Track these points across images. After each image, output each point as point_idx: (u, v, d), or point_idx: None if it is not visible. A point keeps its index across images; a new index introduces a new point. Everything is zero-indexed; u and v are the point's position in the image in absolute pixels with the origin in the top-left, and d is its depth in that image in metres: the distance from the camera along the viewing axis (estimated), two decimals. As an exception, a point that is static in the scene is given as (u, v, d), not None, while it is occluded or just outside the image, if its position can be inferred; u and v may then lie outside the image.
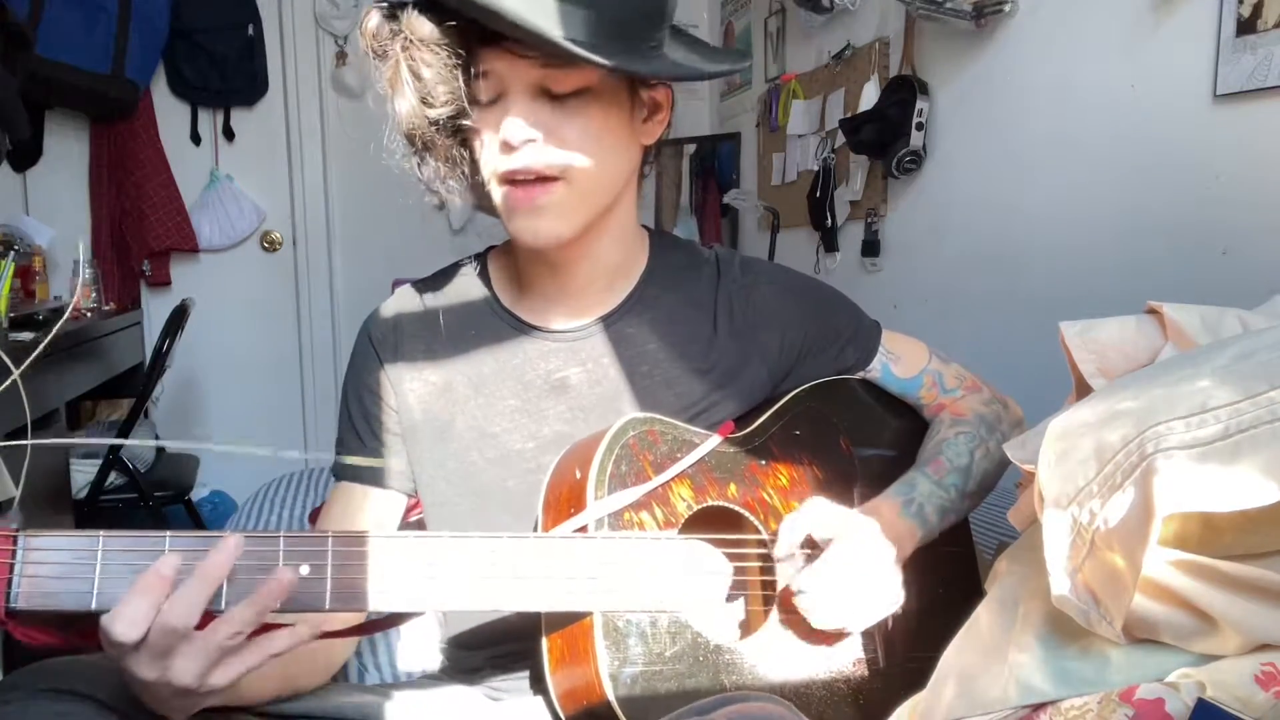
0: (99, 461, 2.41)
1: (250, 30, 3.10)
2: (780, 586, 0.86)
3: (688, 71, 0.84)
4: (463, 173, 0.85)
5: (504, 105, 0.80)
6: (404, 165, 0.85)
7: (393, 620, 0.80)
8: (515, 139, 0.79)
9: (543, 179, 0.81)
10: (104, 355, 2.57)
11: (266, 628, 0.64)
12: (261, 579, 0.63)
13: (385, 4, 0.78)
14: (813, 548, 0.85)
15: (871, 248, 2.27)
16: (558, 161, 0.81)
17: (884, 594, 0.84)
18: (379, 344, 0.96)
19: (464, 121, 0.81)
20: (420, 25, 0.76)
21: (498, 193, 0.84)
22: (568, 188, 0.82)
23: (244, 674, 0.64)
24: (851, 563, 0.82)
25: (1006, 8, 1.74)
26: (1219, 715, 0.57)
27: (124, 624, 0.59)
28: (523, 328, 0.94)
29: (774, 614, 0.86)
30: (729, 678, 0.80)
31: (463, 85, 0.78)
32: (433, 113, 0.79)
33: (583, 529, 0.78)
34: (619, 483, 0.80)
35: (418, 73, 0.77)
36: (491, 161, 0.82)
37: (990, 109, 1.86)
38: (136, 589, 0.60)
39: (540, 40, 0.74)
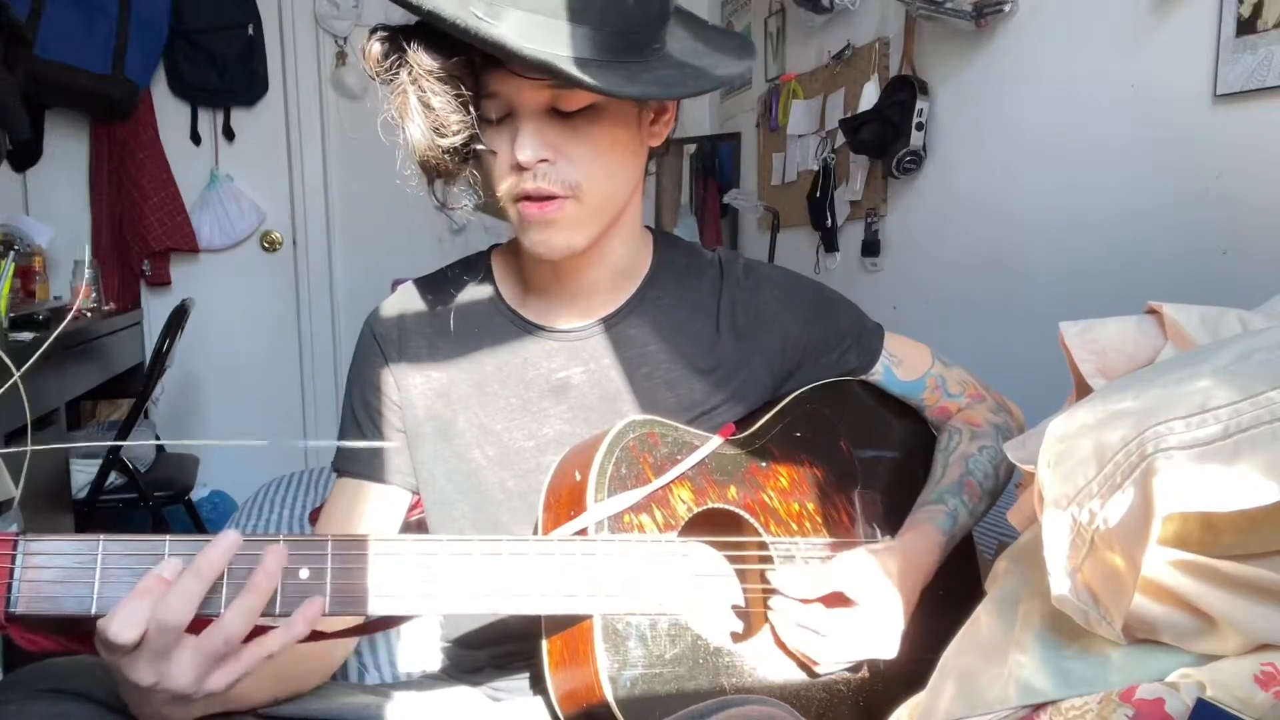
0: (99, 461, 2.41)
1: (250, 30, 3.10)
2: (778, 616, 0.85)
3: (696, 86, 0.84)
4: (477, 192, 0.86)
5: (514, 124, 0.81)
6: (420, 193, 0.85)
7: (390, 621, 0.80)
8: (528, 160, 0.79)
9: (555, 196, 0.82)
10: (104, 355, 2.57)
11: (260, 629, 0.64)
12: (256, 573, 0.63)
13: (385, 33, 0.77)
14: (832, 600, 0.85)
15: (871, 248, 2.27)
16: (570, 180, 0.81)
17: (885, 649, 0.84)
18: (383, 340, 0.96)
19: (476, 146, 0.81)
20: (426, 58, 0.76)
21: (512, 209, 0.84)
22: (578, 205, 0.83)
23: (241, 676, 0.64)
24: (870, 633, 0.83)
25: (1006, 8, 1.74)
26: (1219, 715, 0.57)
27: (119, 624, 0.59)
28: (526, 327, 0.94)
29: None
30: (729, 680, 0.80)
31: (473, 113, 0.78)
32: (445, 141, 0.78)
33: (582, 532, 0.78)
34: (619, 485, 0.80)
35: (428, 103, 0.77)
36: (504, 180, 0.82)
37: (990, 109, 1.86)
38: (135, 591, 0.60)
39: (546, 70, 0.74)
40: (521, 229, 0.85)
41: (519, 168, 0.80)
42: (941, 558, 0.90)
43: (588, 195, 0.82)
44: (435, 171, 0.82)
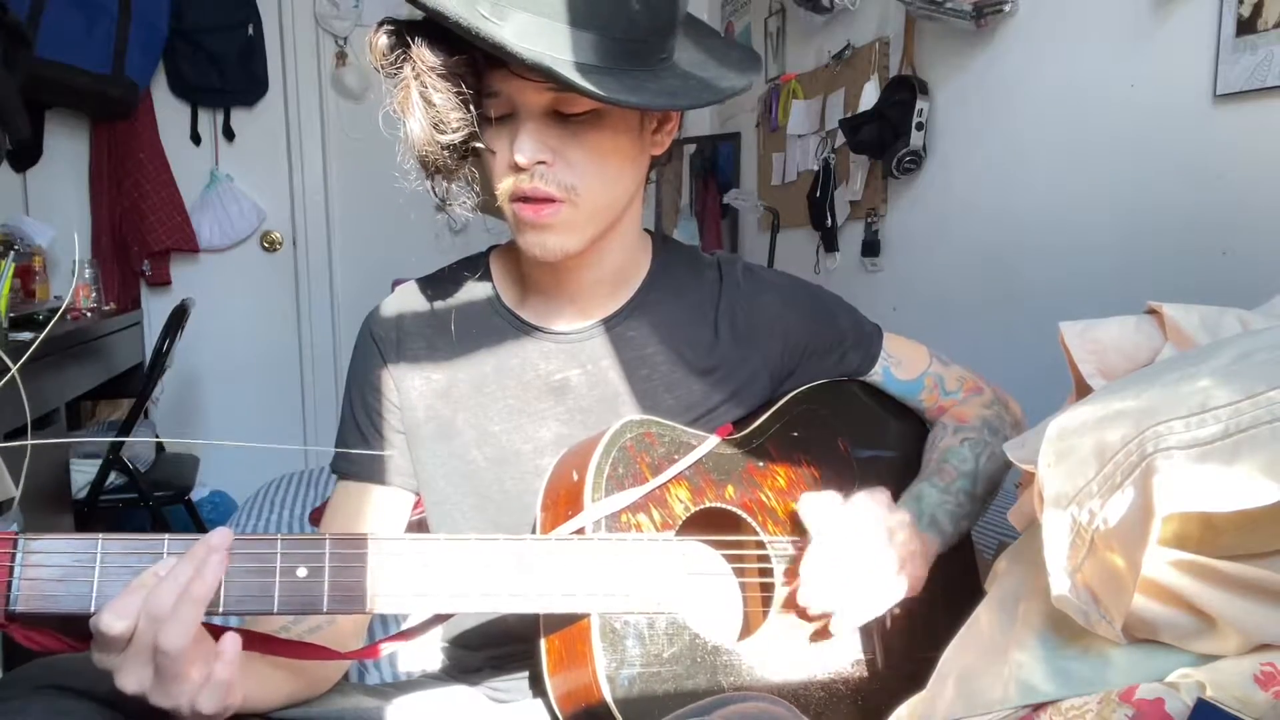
0: (99, 461, 2.41)
1: (250, 30, 3.10)
2: (778, 576, 0.86)
3: (699, 98, 0.84)
4: (475, 190, 0.86)
5: (514, 125, 0.81)
6: (418, 188, 0.85)
7: (409, 633, 0.80)
8: (525, 161, 0.79)
9: (550, 198, 0.82)
10: (104, 355, 2.57)
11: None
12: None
13: (392, 27, 0.78)
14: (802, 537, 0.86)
15: (871, 248, 2.27)
16: (566, 183, 0.81)
17: (880, 583, 0.83)
18: (381, 342, 0.96)
19: (476, 144, 0.81)
20: (430, 54, 0.76)
21: (508, 209, 0.84)
22: (574, 208, 0.82)
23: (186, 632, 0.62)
24: (839, 553, 0.82)
25: (1006, 8, 1.74)
26: (1219, 715, 0.57)
27: (111, 614, 0.60)
28: (524, 328, 0.94)
29: (772, 614, 0.86)
30: (727, 678, 0.80)
31: (474, 110, 0.78)
32: (445, 138, 0.78)
33: (580, 531, 0.78)
34: (616, 485, 0.80)
35: (429, 99, 0.77)
36: (502, 179, 0.83)
37: (990, 109, 1.86)
38: (129, 587, 0.61)
39: (545, 74, 0.74)
40: (517, 230, 0.85)
41: (517, 168, 0.80)
42: (909, 515, 0.88)
43: (584, 199, 0.82)
44: (434, 168, 0.82)
